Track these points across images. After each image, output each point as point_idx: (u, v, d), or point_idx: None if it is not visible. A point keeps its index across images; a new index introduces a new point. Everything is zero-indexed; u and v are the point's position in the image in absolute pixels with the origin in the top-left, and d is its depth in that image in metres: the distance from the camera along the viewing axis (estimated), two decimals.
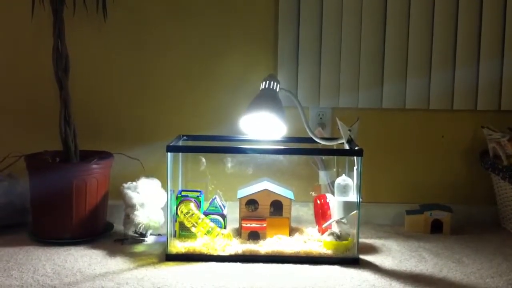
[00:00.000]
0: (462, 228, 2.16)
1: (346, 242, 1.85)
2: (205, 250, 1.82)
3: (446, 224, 2.11)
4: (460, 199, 2.24)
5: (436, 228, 2.12)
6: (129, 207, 1.97)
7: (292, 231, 1.98)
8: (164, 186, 1.91)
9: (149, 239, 1.98)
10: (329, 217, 1.94)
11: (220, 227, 1.93)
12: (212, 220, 1.92)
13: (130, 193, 1.97)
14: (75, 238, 1.94)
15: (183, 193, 1.97)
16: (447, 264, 1.82)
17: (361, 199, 1.82)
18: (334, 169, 2.06)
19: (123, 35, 2.19)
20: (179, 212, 1.91)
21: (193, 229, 1.89)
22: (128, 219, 1.96)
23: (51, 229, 1.95)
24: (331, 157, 2.07)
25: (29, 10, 1.98)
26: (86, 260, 1.79)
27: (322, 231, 1.95)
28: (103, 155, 2.03)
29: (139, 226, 1.95)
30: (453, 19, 2.17)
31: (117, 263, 1.78)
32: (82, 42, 2.15)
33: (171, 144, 1.86)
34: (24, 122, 2.21)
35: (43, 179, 1.94)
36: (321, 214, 1.98)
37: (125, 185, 2.00)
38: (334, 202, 1.89)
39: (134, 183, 2.00)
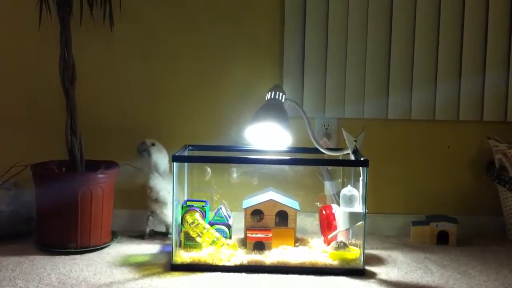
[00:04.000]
0: (468, 240, 2.15)
1: (352, 253, 1.84)
2: (210, 260, 1.81)
3: (452, 235, 2.11)
4: (466, 210, 2.23)
5: (442, 239, 2.11)
6: (161, 203, 2.05)
7: (297, 242, 1.97)
8: None
9: (154, 248, 1.97)
10: (335, 227, 1.93)
11: (226, 237, 1.92)
12: (218, 230, 1.92)
13: (163, 189, 2.05)
14: (81, 247, 1.94)
15: (188, 203, 1.97)
16: (453, 275, 1.81)
17: (366, 210, 1.81)
18: (340, 180, 2.06)
19: (130, 45, 2.20)
20: (184, 222, 1.91)
21: (198, 239, 1.88)
22: (154, 215, 2.07)
23: (56, 238, 1.95)
24: (336, 167, 2.07)
25: (36, 19, 1.99)
26: (91, 269, 1.79)
27: (328, 242, 1.95)
28: (109, 165, 2.03)
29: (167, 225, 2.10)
30: (459, 29, 2.18)
31: (123, 272, 1.77)
32: (88, 51, 2.16)
33: (176, 154, 1.86)
34: (31, 132, 2.21)
35: (49, 188, 1.95)
36: (327, 224, 1.97)
37: (154, 176, 2.06)
38: (340, 213, 1.88)
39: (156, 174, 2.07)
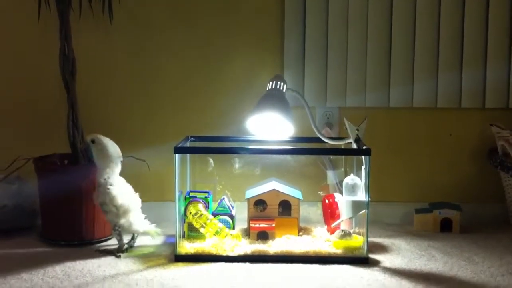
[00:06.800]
0: (472, 227, 2.15)
1: (356, 241, 1.84)
2: (214, 251, 1.82)
3: (455, 222, 2.11)
4: (469, 198, 2.23)
5: (445, 226, 2.11)
6: (125, 212, 1.86)
7: (300, 231, 1.97)
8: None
9: (158, 239, 1.98)
10: (338, 216, 1.93)
11: (229, 228, 1.93)
12: (221, 221, 1.92)
13: (114, 191, 1.85)
14: (84, 239, 1.94)
15: (191, 194, 1.97)
16: (457, 262, 1.81)
17: (369, 198, 1.81)
18: (342, 169, 2.05)
19: (129, 37, 2.20)
20: (187, 213, 1.91)
21: (201, 230, 1.89)
22: (122, 228, 1.86)
23: (60, 231, 1.95)
24: (338, 156, 2.07)
25: (35, 13, 1.99)
26: (95, 261, 1.80)
27: (331, 231, 1.95)
28: None
29: (135, 235, 1.91)
30: (459, 17, 2.17)
31: (127, 264, 1.78)
32: (88, 44, 2.16)
33: (178, 146, 1.86)
34: (32, 126, 2.21)
35: (51, 181, 1.95)
36: (330, 213, 1.97)
37: (103, 180, 1.84)
38: (343, 202, 1.88)
39: (105, 177, 1.85)
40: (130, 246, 1.91)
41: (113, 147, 1.89)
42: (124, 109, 2.22)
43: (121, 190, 1.88)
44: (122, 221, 1.86)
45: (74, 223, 1.94)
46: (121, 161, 1.90)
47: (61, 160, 2.04)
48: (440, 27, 2.17)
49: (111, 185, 1.86)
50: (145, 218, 1.93)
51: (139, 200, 1.93)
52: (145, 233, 1.91)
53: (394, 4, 2.16)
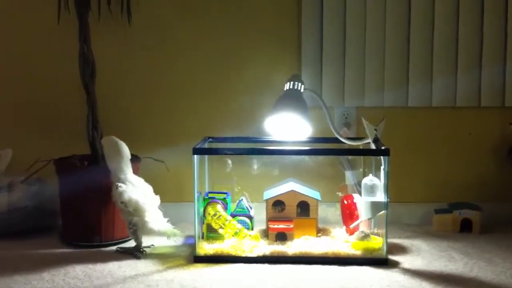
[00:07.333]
0: (492, 227, 2.13)
1: (375, 242, 1.83)
2: (233, 252, 1.82)
3: (475, 222, 2.09)
4: (489, 197, 2.21)
5: (465, 227, 2.10)
6: (140, 211, 1.86)
7: (319, 232, 1.97)
8: None
9: (177, 241, 1.98)
10: (357, 217, 1.93)
11: (247, 229, 1.93)
12: (239, 222, 1.93)
13: (122, 188, 1.87)
14: (104, 240, 1.96)
15: (210, 195, 1.98)
16: (477, 263, 1.80)
17: (388, 199, 1.81)
18: (361, 169, 2.05)
19: (148, 38, 2.21)
20: (206, 214, 1.92)
21: (220, 231, 1.89)
22: (138, 228, 1.86)
23: (80, 232, 1.97)
24: (357, 157, 2.06)
25: (54, 16, 2.01)
26: (116, 262, 1.81)
27: (350, 232, 1.94)
28: (131, 159, 2.04)
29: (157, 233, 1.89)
30: (479, 15, 2.14)
31: (147, 265, 1.79)
32: (107, 46, 2.17)
33: (197, 147, 1.87)
34: (52, 127, 2.24)
35: (71, 182, 1.97)
36: (349, 214, 1.97)
37: (114, 179, 1.87)
38: (362, 202, 1.88)
39: (117, 176, 1.89)
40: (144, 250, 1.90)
41: (120, 147, 1.91)
42: (143, 110, 2.24)
43: (131, 188, 1.88)
44: (136, 219, 1.87)
45: (94, 224, 1.96)
46: (130, 160, 1.93)
47: (81, 161, 2.06)
48: (458, 24, 2.15)
49: (120, 183, 1.88)
50: (167, 221, 1.92)
51: (158, 200, 1.93)
52: (160, 233, 1.89)
53: (412, 2, 2.15)
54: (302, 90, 1.96)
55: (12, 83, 2.25)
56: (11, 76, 2.24)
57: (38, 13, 2.19)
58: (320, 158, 2.08)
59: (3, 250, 1.92)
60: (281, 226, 1.91)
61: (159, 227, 1.89)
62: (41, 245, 1.97)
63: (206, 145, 2.02)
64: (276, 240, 1.90)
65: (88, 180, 1.95)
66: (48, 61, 2.22)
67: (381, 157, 1.82)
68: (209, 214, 1.91)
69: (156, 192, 1.95)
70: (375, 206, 1.83)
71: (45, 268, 1.75)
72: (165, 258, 1.85)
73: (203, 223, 1.93)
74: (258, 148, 2.00)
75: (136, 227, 1.87)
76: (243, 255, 1.81)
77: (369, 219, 1.89)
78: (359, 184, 1.93)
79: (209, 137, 2.06)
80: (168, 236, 1.89)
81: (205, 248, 1.84)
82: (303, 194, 1.94)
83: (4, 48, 2.24)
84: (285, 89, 1.97)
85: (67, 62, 2.08)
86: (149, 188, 1.94)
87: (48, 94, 2.24)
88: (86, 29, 1.98)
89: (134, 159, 2.04)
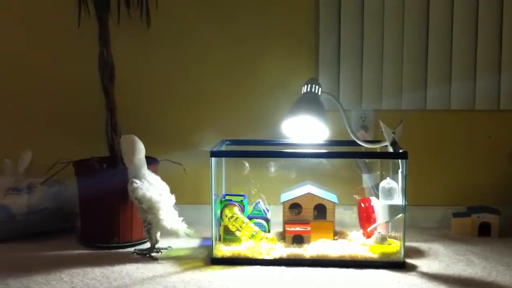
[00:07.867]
0: (511, 231, 2.11)
1: (393, 246, 1.83)
2: (250, 254, 1.83)
3: (494, 226, 2.07)
4: (508, 201, 2.19)
5: (483, 230, 2.08)
6: (155, 209, 1.88)
7: (336, 235, 1.97)
8: None
9: (194, 242, 1.99)
10: (374, 220, 1.92)
11: (264, 231, 1.93)
12: (256, 224, 1.93)
13: (135, 185, 1.89)
14: (123, 242, 1.98)
15: (227, 197, 1.98)
16: (496, 267, 1.78)
17: (406, 202, 1.80)
18: (378, 172, 2.04)
19: (166, 41, 2.22)
20: (223, 216, 1.92)
21: (237, 233, 1.90)
22: (152, 226, 1.88)
23: (99, 233, 1.99)
24: (374, 160, 2.05)
25: (75, 19, 2.03)
26: (133, 264, 1.83)
27: (367, 235, 1.94)
28: (149, 161, 2.06)
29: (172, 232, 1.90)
30: (497, 17, 2.13)
31: (164, 266, 1.80)
32: (126, 49, 2.19)
33: (214, 149, 1.88)
34: (72, 130, 2.26)
35: (90, 184, 1.99)
36: (366, 217, 1.96)
37: (136, 184, 1.89)
38: (379, 206, 1.87)
39: (132, 174, 1.91)
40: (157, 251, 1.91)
41: (137, 144, 1.93)
42: (161, 113, 2.25)
43: (147, 185, 1.90)
44: (150, 217, 1.88)
45: (113, 226, 1.98)
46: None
47: (100, 164, 2.08)
48: (478, 27, 2.14)
49: (134, 180, 1.90)
50: (182, 221, 1.93)
51: (173, 199, 1.94)
52: (173, 231, 1.90)
53: (431, 4, 2.14)
54: (319, 93, 1.97)
55: (32, 86, 2.28)
56: (32, 79, 2.28)
57: (58, 17, 2.22)
58: (337, 161, 2.07)
59: (23, 251, 1.94)
60: (298, 228, 1.91)
61: (172, 225, 1.90)
62: (60, 246, 1.99)
63: (223, 148, 2.03)
64: (292, 243, 1.90)
65: (107, 182, 1.97)
66: (67, 64, 2.25)
67: (399, 160, 1.81)
68: (226, 216, 1.91)
69: (173, 194, 1.96)
70: (393, 210, 1.83)
71: (64, 269, 1.77)
72: (182, 260, 1.86)
73: (220, 225, 1.94)
74: (276, 151, 2.00)
75: (150, 225, 1.88)
76: (260, 257, 1.82)
77: (386, 222, 1.88)
78: (376, 187, 1.93)
79: (226, 140, 2.07)
80: (181, 235, 1.90)
81: (222, 250, 1.85)
82: (320, 197, 1.94)
83: (25, 52, 2.27)
84: (302, 92, 1.98)
85: (87, 65, 2.10)
86: (165, 187, 1.96)
87: (68, 97, 2.26)
88: (105, 32, 2.00)
89: (152, 161, 2.06)
